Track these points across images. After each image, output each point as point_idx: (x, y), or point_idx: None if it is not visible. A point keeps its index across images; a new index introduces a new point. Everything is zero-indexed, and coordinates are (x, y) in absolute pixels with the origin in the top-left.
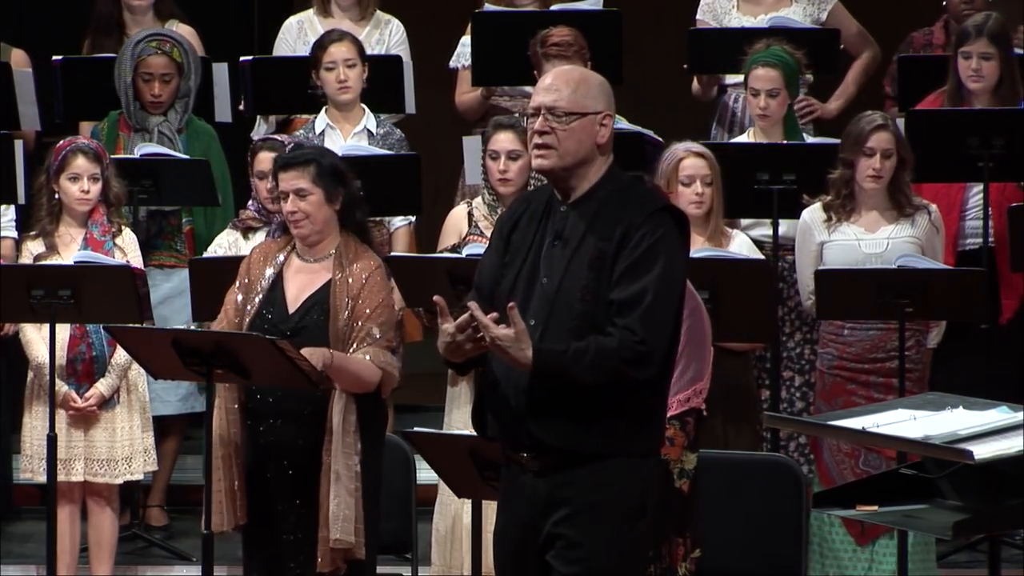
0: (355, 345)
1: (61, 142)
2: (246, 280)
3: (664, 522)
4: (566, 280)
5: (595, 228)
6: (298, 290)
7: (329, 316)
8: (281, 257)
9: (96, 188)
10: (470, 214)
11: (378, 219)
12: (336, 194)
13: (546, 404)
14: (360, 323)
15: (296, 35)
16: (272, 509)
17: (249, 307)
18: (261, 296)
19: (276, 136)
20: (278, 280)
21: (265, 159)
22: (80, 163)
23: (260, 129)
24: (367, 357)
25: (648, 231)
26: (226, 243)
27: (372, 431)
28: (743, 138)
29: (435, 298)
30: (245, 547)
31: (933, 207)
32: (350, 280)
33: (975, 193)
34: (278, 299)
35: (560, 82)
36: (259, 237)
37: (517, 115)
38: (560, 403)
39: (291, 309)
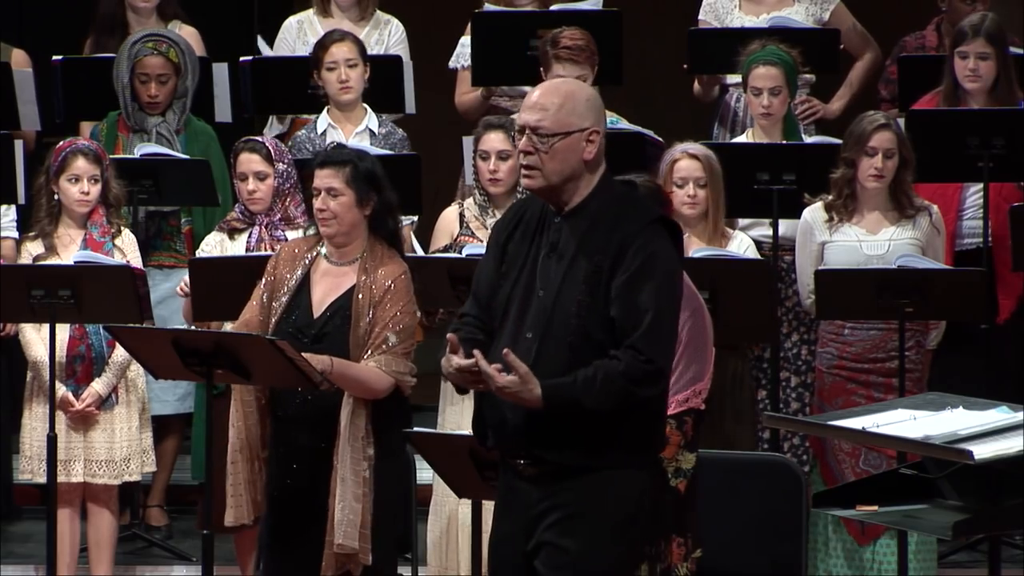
0: (371, 351)
1: (61, 143)
2: (272, 278)
3: (658, 523)
4: (562, 294)
5: (589, 241)
6: (323, 294)
7: (351, 322)
8: (309, 258)
9: (96, 189)
10: (461, 215)
11: None
12: (368, 199)
13: (545, 420)
14: (378, 329)
15: (296, 35)
16: (290, 509)
17: (276, 305)
18: (287, 297)
19: (257, 138)
20: (305, 282)
21: (246, 160)
22: (80, 164)
23: (272, 129)
24: (379, 365)
25: (642, 244)
26: (212, 243)
27: (388, 436)
28: (742, 138)
29: (448, 336)
30: (263, 547)
31: (934, 208)
32: (373, 286)
33: (972, 193)
34: (304, 302)
35: (546, 100)
36: (243, 239)
37: (512, 117)
38: (560, 419)
39: (316, 313)
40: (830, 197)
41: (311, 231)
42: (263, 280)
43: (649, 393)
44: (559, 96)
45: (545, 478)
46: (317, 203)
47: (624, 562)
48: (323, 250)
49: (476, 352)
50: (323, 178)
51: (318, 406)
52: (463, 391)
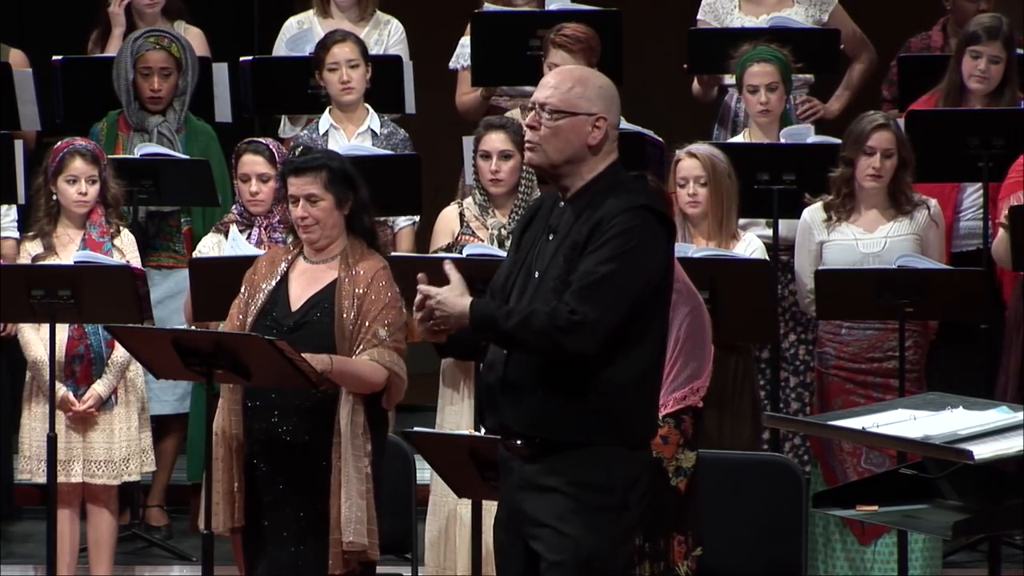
0: (361, 346)
1: (58, 143)
2: (250, 284)
3: (658, 519)
4: (548, 272)
5: (578, 222)
6: (302, 289)
7: (333, 315)
8: (287, 260)
9: (94, 190)
10: (461, 214)
11: (382, 219)
12: (346, 200)
13: (518, 391)
14: (367, 324)
15: (295, 35)
16: (271, 507)
17: (253, 307)
18: (264, 296)
19: (260, 139)
20: (283, 281)
21: (249, 162)
22: (78, 165)
23: (285, 128)
24: (372, 358)
25: (619, 222)
26: (209, 245)
27: (379, 432)
28: (738, 138)
29: (419, 276)
30: (245, 546)
31: (932, 202)
32: (355, 280)
33: (970, 194)
34: (281, 298)
35: (558, 80)
36: (240, 240)
37: (517, 110)
38: (530, 394)
39: (294, 307)
40: (830, 197)
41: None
42: (242, 288)
43: (573, 346)
44: (571, 78)
45: (535, 458)
46: (298, 211)
47: (621, 542)
48: (302, 252)
49: (420, 275)
50: (301, 186)
51: (301, 398)
52: (444, 352)
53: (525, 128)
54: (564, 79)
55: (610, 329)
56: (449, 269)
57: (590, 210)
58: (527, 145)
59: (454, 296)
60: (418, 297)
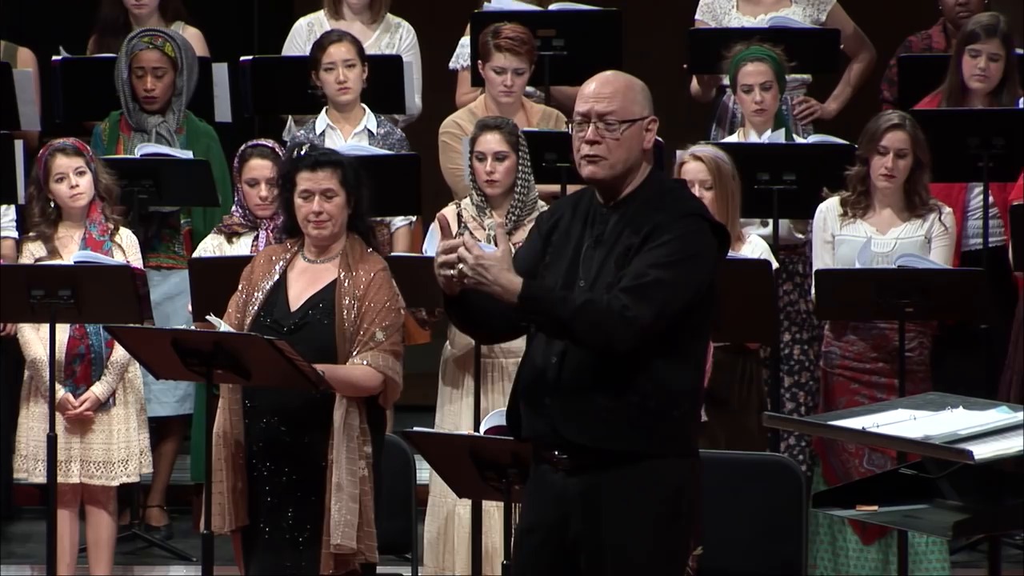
0: (358, 348)
1: (40, 151)
2: (247, 283)
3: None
4: (598, 281)
5: (629, 229)
6: (301, 289)
7: (334, 315)
8: (285, 259)
9: (85, 180)
10: (459, 215)
11: (379, 219)
12: (355, 199)
13: (575, 402)
14: (365, 325)
15: (306, 37)
16: (269, 507)
17: (251, 307)
18: (263, 296)
19: (265, 142)
20: (281, 281)
21: (258, 166)
22: (61, 162)
23: (291, 130)
24: (366, 362)
25: (676, 228)
26: (210, 247)
27: (379, 433)
28: (732, 138)
29: (438, 216)
30: (244, 546)
31: (947, 209)
32: (355, 281)
33: (976, 195)
34: (280, 298)
35: (609, 90)
36: (243, 242)
37: (503, 117)
38: (589, 401)
39: (293, 307)
40: (847, 193)
41: None
42: (239, 287)
43: (619, 342)
44: (620, 85)
45: (580, 469)
46: (313, 206)
47: (674, 554)
48: (300, 251)
49: (465, 235)
50: (320, 180)
51: (298, 399)
52: (452, 307)
53: (582, 143)
54: (615, 88)
55: (653, 332)
56: (500, 235)
57: (641, 217)
58: (588, 161)
59: (501, 267)
60: (452, 241)
